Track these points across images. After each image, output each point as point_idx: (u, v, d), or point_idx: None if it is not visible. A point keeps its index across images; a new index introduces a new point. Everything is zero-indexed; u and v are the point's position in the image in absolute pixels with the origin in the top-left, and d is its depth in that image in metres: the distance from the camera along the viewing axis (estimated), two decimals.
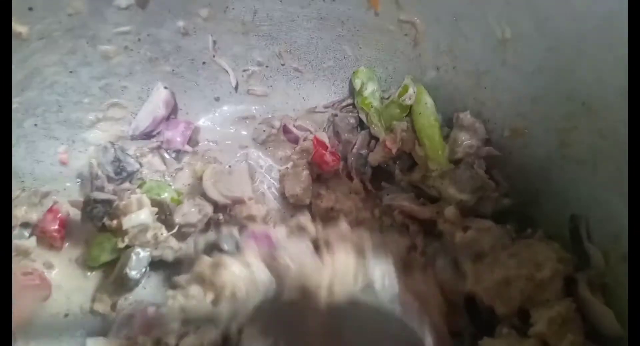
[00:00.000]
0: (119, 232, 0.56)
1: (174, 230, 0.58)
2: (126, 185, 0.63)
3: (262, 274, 0.50)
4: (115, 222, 0.56)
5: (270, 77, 0.70)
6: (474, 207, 0.56)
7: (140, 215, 0.56)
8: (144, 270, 0.56)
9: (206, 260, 0.52)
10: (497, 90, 0.59)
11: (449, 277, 0.53)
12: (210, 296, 0.47)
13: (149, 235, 0.56)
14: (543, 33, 0.52)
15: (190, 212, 0.61)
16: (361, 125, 0.68)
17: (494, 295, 0.50)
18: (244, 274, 0.49)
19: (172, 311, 0.44)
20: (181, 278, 0.52)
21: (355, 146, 0.67)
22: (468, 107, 0.61)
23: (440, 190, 0.58)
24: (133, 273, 0.55)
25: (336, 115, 0.69)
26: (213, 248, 0.57)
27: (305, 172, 0.66)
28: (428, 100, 0.62)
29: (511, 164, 0.59)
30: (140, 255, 0.56)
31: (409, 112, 0.63)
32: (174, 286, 0.52)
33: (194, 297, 0.46)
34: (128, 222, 0.55)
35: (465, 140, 0.60)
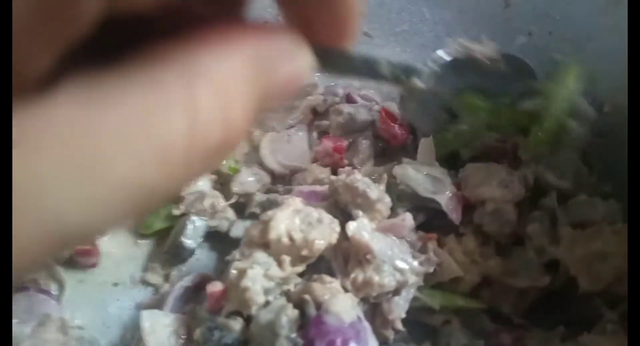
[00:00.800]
0: (175, 198, 0.52)
1: (232, 200, 0.54)
2: None
3: (316, 213, 0.45)
4: None
5: None
6: (572, 194, 0.50)
7: (198, 182, 0.52)
8: (199, 240, 0.52)
9: (251, 224, 0.48)
10: (601, 59, 0.52)
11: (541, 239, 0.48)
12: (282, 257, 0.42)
13: (206, 203, 0.52)
14: None
15: (247, 181, 0.56)
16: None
17: (584, 267, 0.45)
18: (296, 219, 0.44)
19: (249, 282, 0.39)
20: (235, 254, 0.47)
21: None
22: None
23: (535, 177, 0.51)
24: (188, 243, 0.51)
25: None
26: None
27: None
28: None
29: (609, 145, 0.53)
30: (197, 224, 0.52)
31: None
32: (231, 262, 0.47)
33: (264, 263, 0.41)
34: (185, 187, 0.51)
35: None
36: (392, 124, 0.61)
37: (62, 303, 0.53)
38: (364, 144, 0.62)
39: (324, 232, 0.44)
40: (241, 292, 0.39)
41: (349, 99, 0.65)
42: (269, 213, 0.45)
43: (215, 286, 0.42)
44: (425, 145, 0.56)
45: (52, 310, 0.51)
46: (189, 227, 0.51)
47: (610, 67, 0.52)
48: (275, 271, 0.41)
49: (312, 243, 0.43)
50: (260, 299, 0.39)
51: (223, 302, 0.41)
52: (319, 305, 0.39)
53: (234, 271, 0.41)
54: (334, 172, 0.58)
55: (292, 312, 0.39)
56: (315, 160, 0.61)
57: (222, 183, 0.56)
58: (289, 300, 0.41)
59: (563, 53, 0.55)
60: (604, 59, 0.52)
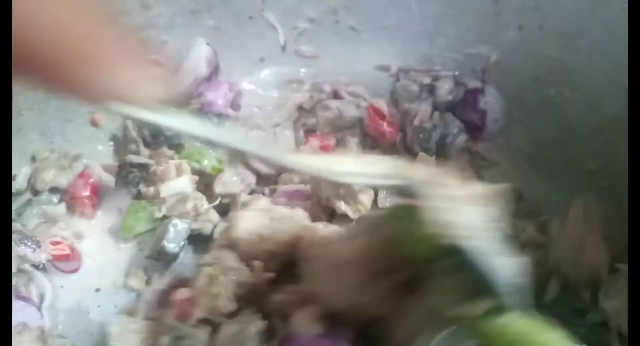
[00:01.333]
0: (156, 200, 0.50)
1: (216, 202, 0.52)
2: (163, 150, 0.57)
3: (286, 210, 0.45)
4: (152, 189, 0.51)
5: (322, 36, 0.62)
6: None
7: (179, 183, 0.50)
8: (182, 243, 0.51)
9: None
10: (593, 55, 0.51)
11: None
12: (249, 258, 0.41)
13: (189, 205, 0.51)
14: None
15: (231, 181, 0.55)
16: (428, 92, 0.60)
17: None
18: (263, 217, 0.44)
19: (220, 289, 0.38)
20: (206, 258, 0.46)
21: (416, 117, 0.60)
22: (553, 72, 0.54)
23: None
24: (171, 247, 0.50)
25: (397, 81, 0.61)
26: None
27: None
28: None
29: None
30: (179, 227, 0.50)
31: None
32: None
33: (236, 269, 0.40)
34: (166, 189, 0.49)
35: None
36: (380, 121, 0.60)
37: (41, 310, 0.51)
38: (352, 142, 0.61)
39: (291, 225, 0.43)
40: (211, 299, 0.38)
41: (336, 95, 0.63)
42: (236, 213, 0.44)
43: (183, 293, 0.41)
44: (423, 159, 0.55)
45: (31, 318, 0.50)
46: (171, 230, 0.50)
47: (601, 62, 0.51)
48: (246, 277, 0.39)
49: (276, 236, 0.42)
50: (231, 306, 0.38)
51: (191, 309, 0.40)
52: (287, 317, 0.38)
53: (204, 277, 0.39)
54: None
55: (259, 324, 0.37)
56: None
57: (206, 184, 0.55)
58: (258, 310, 0.40)
59: (554, 47, 0.54)
60: (594, 54, 0.51)
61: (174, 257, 0.51)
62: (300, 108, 0.64)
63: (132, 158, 0.52)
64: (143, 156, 0.55)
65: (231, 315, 0.39)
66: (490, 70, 0.58)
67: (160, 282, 0.47)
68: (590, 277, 0.45)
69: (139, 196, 0.53)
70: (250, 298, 0.41)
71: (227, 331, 0.38)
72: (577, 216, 0.47)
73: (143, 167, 0.51)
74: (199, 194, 0.52)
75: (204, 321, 0.40)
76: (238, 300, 0.39)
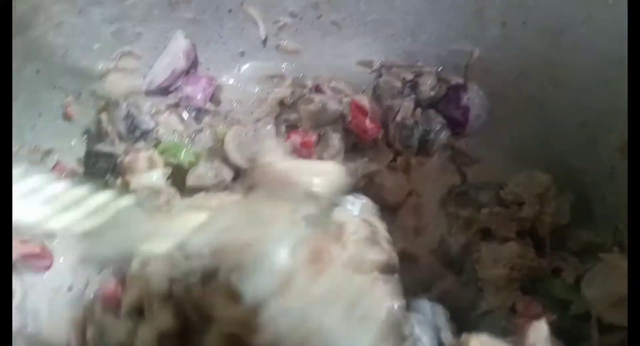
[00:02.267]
0: (126, 191, 0.49)
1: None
2: (139, 145, 0.55)
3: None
4: (119, 180, 0.49)
5: (304, 31, 0.61)
6: None
7: (152, 176, 0.49)
8: None
9: None
10: (577, 51, 0.50)
11: None
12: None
13: (161, 199, 0.49)
14: None
15: (205, 175, 0.53)
16: (410, 88, 0.59)
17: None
18: None
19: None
20: None
21: (399, 114, 0.59)
22: (536, 68, 0.53)
23: None
24: None
25: (380, 77, 0.60)
26: None
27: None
28: None
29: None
30: None
31: None
32: None
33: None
34: (138, 180, 0.48)
35: None
36: (362, 118, 0.58)
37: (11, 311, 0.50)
38: (334, 138, 0.60)
39: None
40: (144, 283, 0.36)
41: (318, 91, 0.62)
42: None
43: (109, 283, 0.39)
44: None
45: None
46: None
47: (585, 58, 0.51)
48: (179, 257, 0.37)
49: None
50: (165, 284, 0.36)
51: (118, 300, 0.38)
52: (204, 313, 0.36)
53: (134, 265, 0.38)
54: None
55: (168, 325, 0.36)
56: None
57: (183, 180, 0.53)
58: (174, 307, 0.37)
59: (537, 44, 0.53)
60: (578, 50, 0.51)
61: None
62: (281, 103, 0.62)
63: (100, 147, 0.50)
64: (118, 151, 0.54)
65: (166, 298, 0.37)
66: (473, 66, 0.58)
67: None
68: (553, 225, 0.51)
69: (107, 188, 0.51)
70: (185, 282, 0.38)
71: (142, 333, 0.36)
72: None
73: (110, 156, 0.50)
74: (173, 189, 0.50)
75: (135, 311, 0.38)
76: (172, 282, 0.37)
